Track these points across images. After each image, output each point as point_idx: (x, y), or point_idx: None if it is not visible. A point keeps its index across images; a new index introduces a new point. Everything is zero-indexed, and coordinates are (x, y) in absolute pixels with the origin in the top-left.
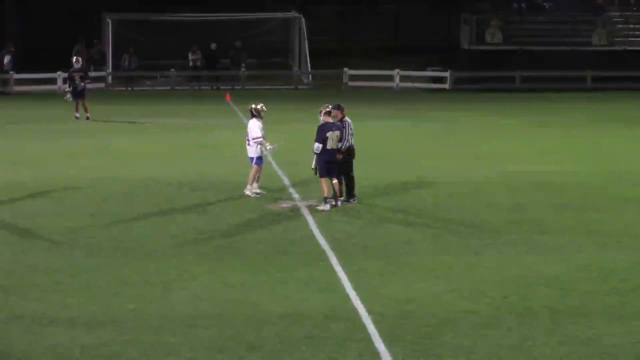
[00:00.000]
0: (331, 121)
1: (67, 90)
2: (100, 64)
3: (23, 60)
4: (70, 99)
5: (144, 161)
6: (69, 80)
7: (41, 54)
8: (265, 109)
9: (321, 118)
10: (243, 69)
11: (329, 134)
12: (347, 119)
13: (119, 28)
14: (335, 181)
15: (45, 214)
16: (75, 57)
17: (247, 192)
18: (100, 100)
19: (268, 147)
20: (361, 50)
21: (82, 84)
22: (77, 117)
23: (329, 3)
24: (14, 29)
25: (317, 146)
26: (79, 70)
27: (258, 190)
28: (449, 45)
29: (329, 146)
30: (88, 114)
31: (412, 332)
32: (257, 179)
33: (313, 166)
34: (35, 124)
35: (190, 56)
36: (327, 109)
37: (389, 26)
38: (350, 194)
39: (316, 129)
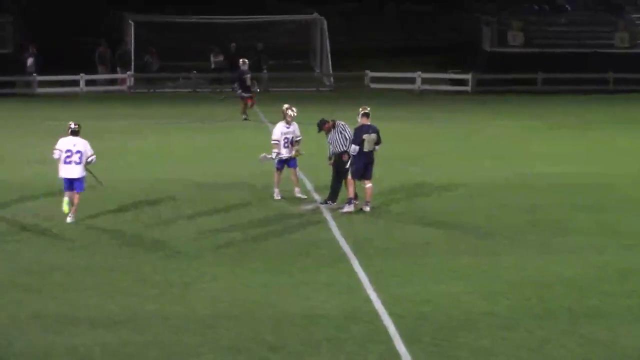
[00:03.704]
0: (368, 123)
1: (238, 91)
2: (123, 65)
3: (46, 62)
4: (257, 89)
5: (164, 162)
6: (240, 82)
7: (63, 55)
8: (291, 113)
9: (359, 119)
10: (265, 71)
11: (365, 137)
12: (340, 122)
13: (140, 29)
14: (369, 185)
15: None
16: (242, 60)
17: (275, 196)
18: (121, 102)
19: (268, 156)
20: (379, 51)
21: (256, 88)
22: (245, 119)
23: (346, 2)
24: (36, 31)
25: (354, 148)
26: (248, 71)
27: (275, 196)
28: (469, 46)
29: (365, 149)
30: (246, 115)
31: (431, 334)
32: (295, 182)
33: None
34: (57, 125)
35: (212, 58)
36: (365, 111)
37: (406, 27)
38: (332, 197)
39: (353, 131)
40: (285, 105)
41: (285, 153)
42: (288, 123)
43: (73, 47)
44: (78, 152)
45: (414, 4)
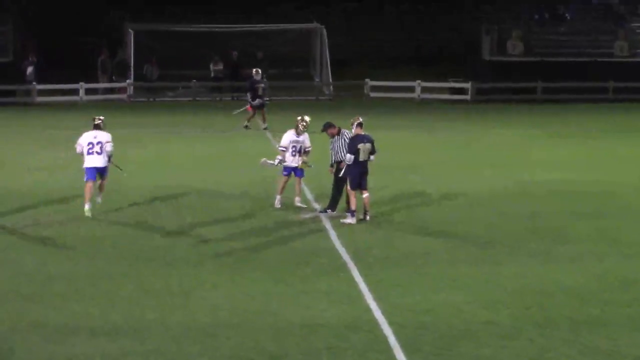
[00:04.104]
0: (362, 133)
1: (249, 100)
2: (120, 74)
3: (45, 70)
4: (250, 111)
5: (164, 171)
6: (251, 91)
7: (64, 55)
8: (303, 124)
9: (353, 130)
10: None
11: (360, 146)
12: (345, 131)
13: (140, 39)
14: (366, 195)
15: (66, 222)
16: (255, 70)
17: (275, 204)
18: (121, 111)
19: (269, 161)
20: (379, 61)
21: (266, 98)
22: (247, 127)
23: (347, 12)
24: (35, 39)
25: (349, 157)
26: (260, 81)
27: (276, 204)
28: (469, 55)
29: (360, 158)
30: (266, 125)
31: (432, 343)
32: (297, 192)
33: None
34: (57, 133)
35: (211, 67)
36: (359, 121)
37: (405, 27)
38: (331, 205)
39: (348, 141)
40: (299, 117)
41: (291, 162)
42: (299, 134)
43: (73, 47)
44: (99, 143)
45: (413, 3)
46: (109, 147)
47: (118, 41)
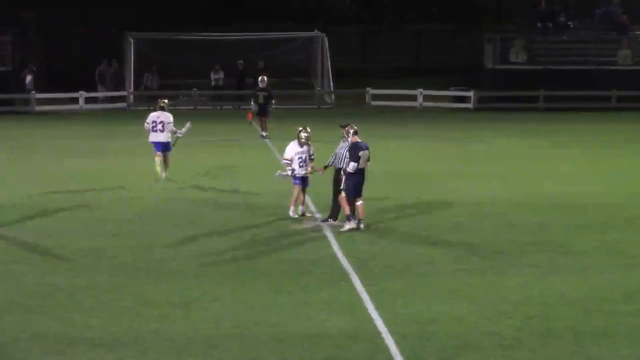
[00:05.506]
0: (359, 140)
1: (252, 107)
2: (115, 83)
3: (44, 79)
4: (253, 121)
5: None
6: (253, 98)
7: (63, 73)
8: (303, 135)
9: (349, 138)
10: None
11: (361, 154)
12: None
13: (141, 47)
14: (360, 202)
15: (67, 234)
16: (260, 77)
17: (290, 214)
18: (121, 119)
19: (283, 173)
20: (383, 71)
21: (269, 106)
22: (263, 136)
23: (350, 23)
24: (35, 48)
25: (354, 165)
26: (263, 89)
27: (291, 214)
28: (472, 65)
29: (360, 166)
30: (266, 133)
31: (435, 354)
32: (300, 201)
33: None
34: (57, 143)
35: (212, 75)
36: (355, 129)
37: (410, 46)
38: (333, 215)
39: (347, 149)
40: (300, 128)
41: (301, 172)
42: (301, 145)
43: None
44: (161, 122)
45: (417, 24)
46: (170, 127)
47: (118, 41)
